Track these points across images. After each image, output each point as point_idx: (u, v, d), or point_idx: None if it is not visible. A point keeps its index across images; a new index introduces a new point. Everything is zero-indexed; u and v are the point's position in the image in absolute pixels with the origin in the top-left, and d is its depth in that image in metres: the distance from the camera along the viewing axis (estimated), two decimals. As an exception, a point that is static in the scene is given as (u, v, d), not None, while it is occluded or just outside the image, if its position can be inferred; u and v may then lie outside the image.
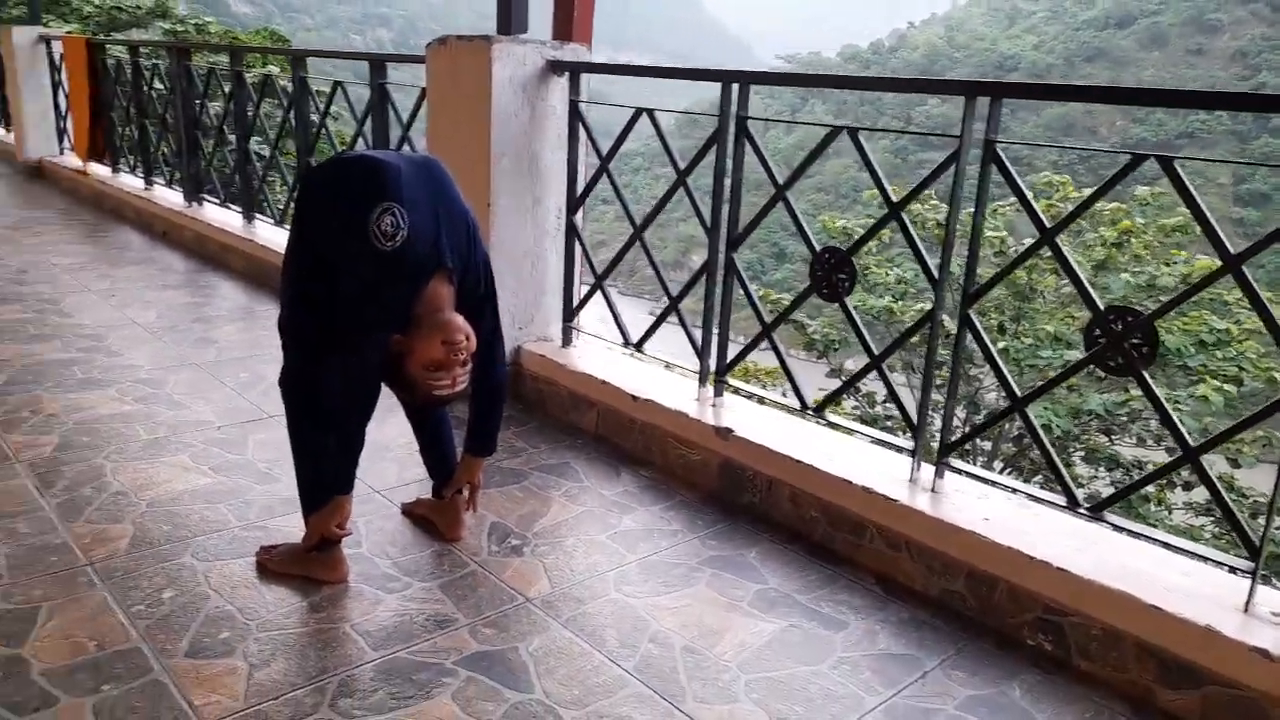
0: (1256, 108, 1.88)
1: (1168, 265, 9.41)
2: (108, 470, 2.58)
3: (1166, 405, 1.98)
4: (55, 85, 7.53)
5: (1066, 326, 10.09)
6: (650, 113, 2.96)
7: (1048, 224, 2.13)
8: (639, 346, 3.20)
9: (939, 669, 1.98)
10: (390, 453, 2.79)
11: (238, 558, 2.19)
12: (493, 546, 2.33)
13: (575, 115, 3.20)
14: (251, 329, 4.02)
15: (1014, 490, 2.32)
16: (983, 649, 2.07)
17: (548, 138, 3.24)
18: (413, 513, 2.45)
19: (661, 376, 3.09)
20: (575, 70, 3.16)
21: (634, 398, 2.94)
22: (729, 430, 2.70)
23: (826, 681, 1.91)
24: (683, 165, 2.90)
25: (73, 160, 7.30)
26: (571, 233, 3.31)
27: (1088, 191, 9.86)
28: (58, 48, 7.37)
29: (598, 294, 3.33)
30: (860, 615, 2.16)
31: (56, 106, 7.63)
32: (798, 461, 2.52)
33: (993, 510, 2.26)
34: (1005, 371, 2.24)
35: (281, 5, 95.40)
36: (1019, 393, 2.23)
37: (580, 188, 3.28)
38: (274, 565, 2.14)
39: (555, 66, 3.16)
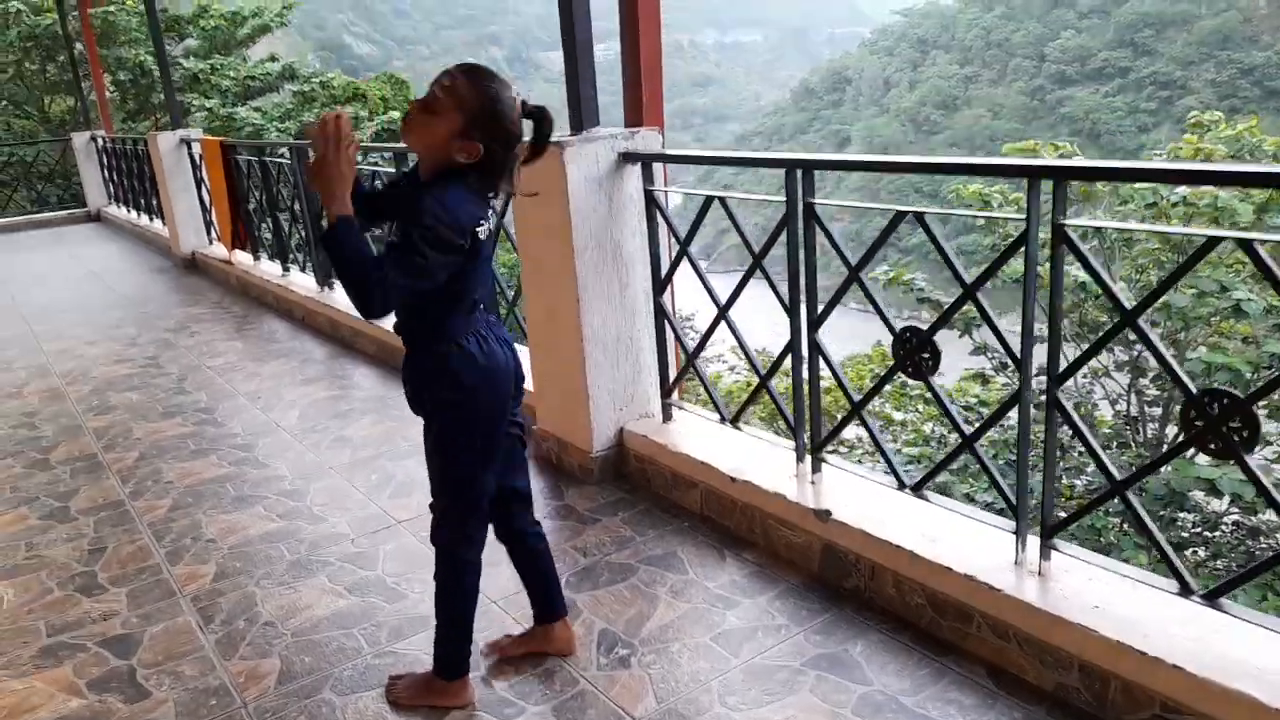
0: None
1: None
2: (258, 598, 2.85)
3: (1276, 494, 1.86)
4: (199, 182, 8.23)
5: (1235, 274, 9.33)
6: (723, 200, 3.00)
7: (1128, 304, 2.03)
8: (735, 422, 3.25)
9: (1051, 779, 1.94)
10: (504, 557, 2.93)
11: (370, 689, 2.38)
12: (601, 659, 2.44)
13: (651, 203, 3.26)
14: (383, 420, 4.29)
15: (1124, 576, 2.23)
16: (1102, 750, 2.01)
17: (628, 225, 3.32)
18: (510, 653, 2.46)
19: (759, 452, 3.11)
20: (646, 160, 3.22)
21: (732, 479, 2.99)
22: (828, 512, 2.70)
23: (930, 802, 1.91)
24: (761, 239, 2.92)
25: (220, 250, 7.95)
26: (660, 314, 3.38)
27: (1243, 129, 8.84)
28: (197, 148, 8.04)
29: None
30: (968, 718, 2.14)
31: (201, 201, 8.33)
32: (897, 546, 2.51)
33: (1102, 595, 2.18)
34: (1103, 456, 2.16)
35: (399, 40, 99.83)
36: (1117, 475, 2.14)
37: (665, 269, 3.34)
38: (404, 698, 2.31)
39: (627, 157, 3.24)
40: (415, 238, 1.81)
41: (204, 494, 3.65)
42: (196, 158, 8.11)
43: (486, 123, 1.89)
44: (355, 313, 5.44)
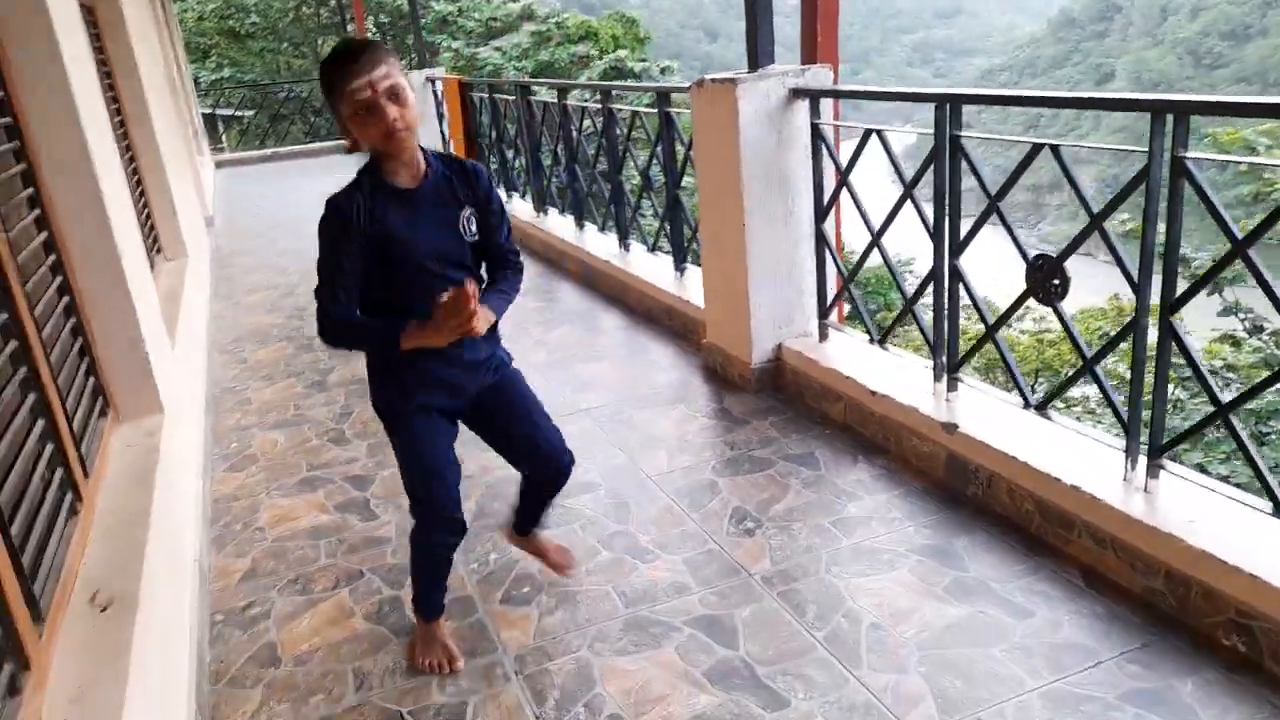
0: None
1: None
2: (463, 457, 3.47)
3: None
4: (439, 116, 9.16)
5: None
6: (880, 133, 3.22)
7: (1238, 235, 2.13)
8: (882, 343, 3.49)
9: (1115, 661, 2.15)
10: (663, 443, 3.39)
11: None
12: (730, 528, 2.84)
13: (816, 136, 3.52)
14: (576, 329, 4.85)
15: (1227, 496, 2.34)
16: (1174, 646, 2.18)
17: (795, 155, 3.60)
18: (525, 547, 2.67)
19: (901, 371, 3.35)
20: (814, 96, 3.48)
21: (873, 392, 3.26)
22: (954, 425, 2.93)
23: (994, 663, 2.18)
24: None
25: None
26: (821, 240, 3.65)
27: None
28: (440, 86, 8.95)
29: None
30: (1051, 605, 2.36)
31: (442, 134, 9.27)
32: (1013, 457, 2.71)
33: (1199, 511, 2.32)
34: (1209, 379, 2.27)
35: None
36: (1222, 399, 2.25)
37: (826, 198, 3.60)
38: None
39: (797, 93, 3.50)
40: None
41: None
42: (439, 95, 9.03)
43: None
44: (565, 235, 6.08)
